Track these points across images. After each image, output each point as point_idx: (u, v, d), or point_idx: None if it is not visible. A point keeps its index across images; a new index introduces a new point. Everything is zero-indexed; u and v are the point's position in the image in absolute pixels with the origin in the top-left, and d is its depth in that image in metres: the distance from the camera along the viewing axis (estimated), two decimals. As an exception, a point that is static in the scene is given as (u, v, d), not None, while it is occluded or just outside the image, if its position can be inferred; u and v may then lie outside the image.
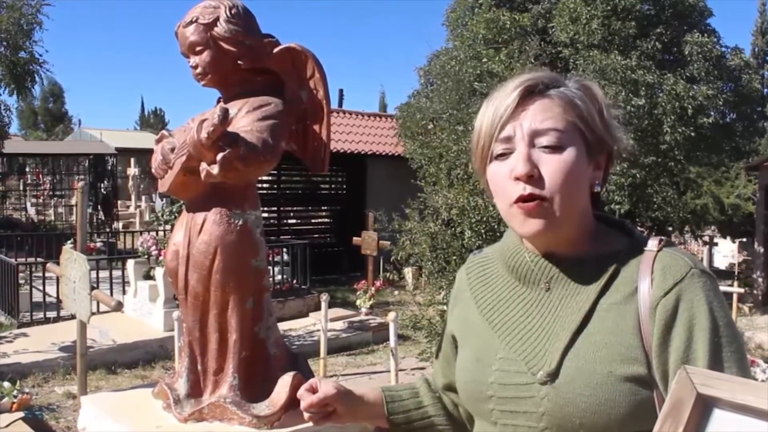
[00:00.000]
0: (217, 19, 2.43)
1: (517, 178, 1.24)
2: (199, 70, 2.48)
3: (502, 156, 1.27)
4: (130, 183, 24.37)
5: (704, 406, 0.93)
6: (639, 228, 10.58)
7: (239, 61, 2.49)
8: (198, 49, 2.45)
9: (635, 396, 1.17)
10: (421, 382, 1.65)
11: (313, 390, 1.48)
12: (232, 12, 2.44)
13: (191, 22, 2.45)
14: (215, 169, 2.25)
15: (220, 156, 2.23)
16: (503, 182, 1.27)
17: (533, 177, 1.23)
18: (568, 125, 1.25)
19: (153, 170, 2.55)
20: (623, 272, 1.26)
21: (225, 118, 2.21)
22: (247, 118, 2.41)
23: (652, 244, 1.27)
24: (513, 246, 1.37)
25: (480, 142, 1.31)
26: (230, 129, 2.31)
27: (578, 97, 1.28)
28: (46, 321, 9.06)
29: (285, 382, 2.50)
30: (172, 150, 2.44)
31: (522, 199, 1.24)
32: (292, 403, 2.52)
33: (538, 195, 1.23)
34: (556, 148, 1.24)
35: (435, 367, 1.64)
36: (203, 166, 2.30)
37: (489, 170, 1.31)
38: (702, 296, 1.19)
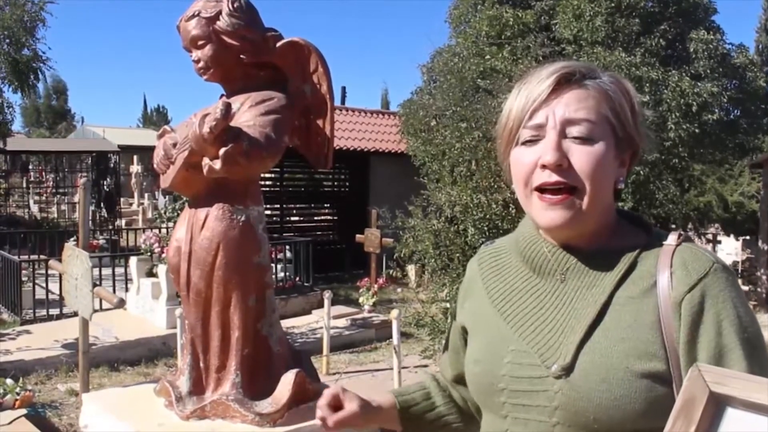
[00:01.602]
0: (220, 12, 2.41)
1: (544, 166, 1.21)
2: (201, 64, 2.46)
3: (530, 142, 1.24)
4: (133, 180, 24.33)
5: (717, 404, 0.91)
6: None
7: (242, 56, 2.47)
8: (200, 43, 2.43)
9: (651, 392, 1.15)
10: (431, 381, 1.61)
11: (335, 404, 1.43)
12: (235, 6, 2.42)
13: (193, 16, 2.43)
14: (218, 164, 2.23)
15: (222, 151, 2.21)
16: (527, 168, 1.24)
17: (561, 166, 1.20)
18: (601, 118, 1.23)
19: (155, 166, 2.53)
20: (641, 265, 1.24)
21: (227, 112, 2.19)
22: (249, 113, 2.39)
23: (672, 238, 1.25)
24: (529, 236, 1.35)
25: (508, 125, 1.28)
26: (233, 124, 2.29)
27: (612, 91, 1.26)
28: (49, 318, 9.05)
29: (288, 379, 2.49)
30: (174, 145, 2.42)
31: (547, 186, 1.22)
32: (295, 400, 2.50)
33: (564, 183, 1.20)
34: (587, 140, 1.21)
35: (443, 359, 1.61)
36: (205, 161, 2.28)
37: (513, 154, 1.28)
38: (727, 292, 1.17)
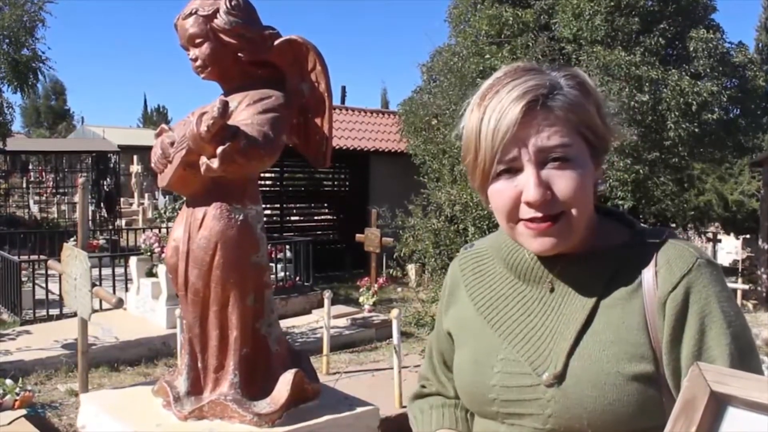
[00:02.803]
0: (217, 10, 2.39)
1: (528, 202, 1.17)
2: (198, 62, 2.45)
3: (506, 172, 1.19)
4: (133, 180, 24.35)
5: (718, 404, 0.90)
6: (642, 224, 10.52)
7: (239, 54, 2.46)
8: (198, 41, 2.42)
9: (642, 395, 1.14)
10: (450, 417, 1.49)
11: None
12: (232, 3, 2.40)
13: (191, 14, 2.41)
14: (215, 163, 2.22)
15: (220, 149, 2.20)
16: (510, 204, 1.20)
17: (545, 200, 1.16)
18: (573, 136, 1.18)
19: (152, 164, 2.51)
20: (626, 265, 1.22)
21: (225, 111, 2.17)
22: (247, 111, 2.37)
23: (656, 235, 1.24)
24: (511, 243, 1.32)
25: (479, 164, 1.21)
26: (230, 122, 2.28)
27: (577, 101, 1.20)
28: (49, 318, 9.04)
29: (286, 379, 2.47)
30: (172, 144, 2.41)
31: (534, 220, 1.18)
32: (294, 400, 2.49)
33: (551, 215, 1.17)
34: (565, 161, 1.17)
35: (438, 380, 1.52)
36: (203, 159, 2.27)
37: (492, 189, 1.23)
38: (711, 287, 1.16)
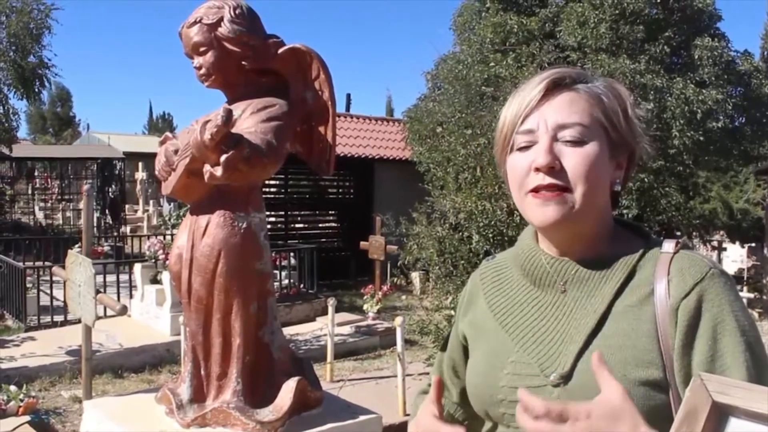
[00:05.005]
0: (221, 19, 2.40)
1: (537, 169, 1.23)
2: (203, 71, 2.45)
3: (524, 148, 1.26)
4: (138, 187, 24.42)
5: (720, 414, 0.90)
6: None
7: (243, 62, 2.46)
8: (202, 49, 2.42)
9: (649, 401, 1.15)
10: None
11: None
12: (237, 12, 2.41)
13: (195, 23, 2.42)
14: (219, 171, 2.22)
15: (223, 158, 2.20)
16: (522, 173, 1.26)
17: (554, 169, 1.22)
18: (593, 121, 1.25)
19: (156, 172, 2.52)
20: (639, 274, 1.24)
21: (228, 119, 2.18)
22: (251, 120, 2.38)
23: (669, 246, 1.26)
24: (528, 248, 1.36)
25: (503, 132, 1.30)
26: (234, 130, 2.28)
27: (604, 94, 1.28)
28: (54, 325, 9.06)
29: (289, 387, 2.47)
30: (176, 152, 2.41)
31: (540, 188, 1.23)
32: (297, 408, 2.49)
33: (558, 185, 1.22)
34: (578, 142, 1.23)
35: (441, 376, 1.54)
36: (207, 167, 2.27)
37: (509, 161, 1.30)
38: (725, 297, 1.17)
